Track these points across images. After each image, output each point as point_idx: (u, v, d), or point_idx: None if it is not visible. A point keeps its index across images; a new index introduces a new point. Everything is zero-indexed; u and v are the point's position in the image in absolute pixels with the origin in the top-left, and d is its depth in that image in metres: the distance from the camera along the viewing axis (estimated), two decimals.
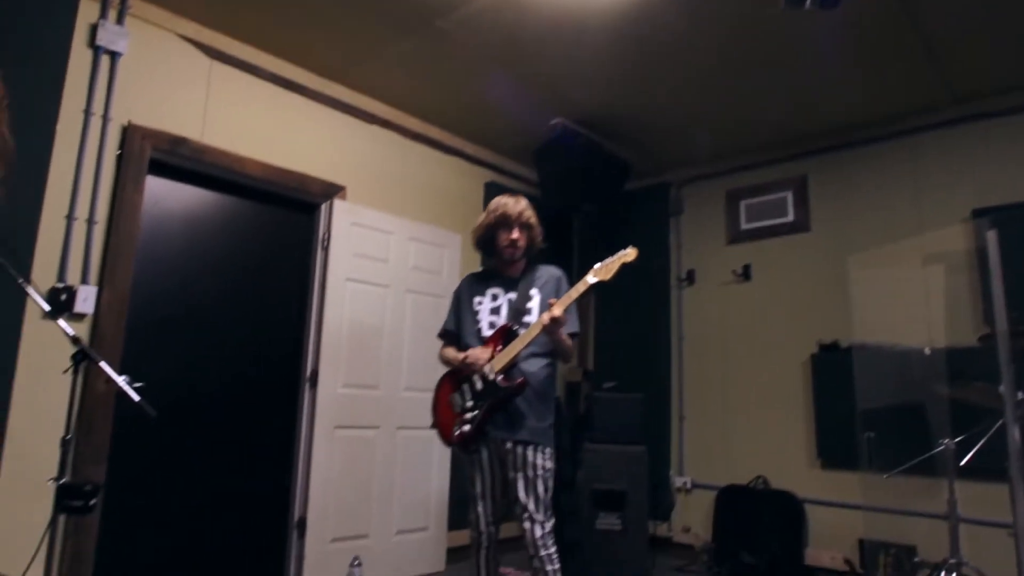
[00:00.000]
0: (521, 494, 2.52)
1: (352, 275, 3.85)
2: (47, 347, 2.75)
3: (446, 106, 4.34)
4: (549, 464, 2.57)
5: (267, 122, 3.73)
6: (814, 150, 4.50)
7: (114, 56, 3.20)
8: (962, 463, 2.75)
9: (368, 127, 4.23)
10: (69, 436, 2.40)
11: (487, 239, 2.76)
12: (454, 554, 4.15)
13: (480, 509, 2.63)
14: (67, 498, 2.23)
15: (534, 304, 2.71)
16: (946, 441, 2.86)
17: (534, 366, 2.62)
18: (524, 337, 2.56)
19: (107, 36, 3.16)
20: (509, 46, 3.57)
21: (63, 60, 3.01)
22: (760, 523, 3.97)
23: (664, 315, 5.03)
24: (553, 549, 2.51)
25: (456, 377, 2.68)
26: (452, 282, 4.32)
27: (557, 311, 2.47)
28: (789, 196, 4.60)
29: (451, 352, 2.75)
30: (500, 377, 2.55)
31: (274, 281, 3.79)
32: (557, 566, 2.51)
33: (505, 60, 3.72)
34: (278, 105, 3.80)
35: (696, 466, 4.68)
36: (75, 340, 2.33)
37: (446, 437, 2.68)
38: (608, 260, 2.57)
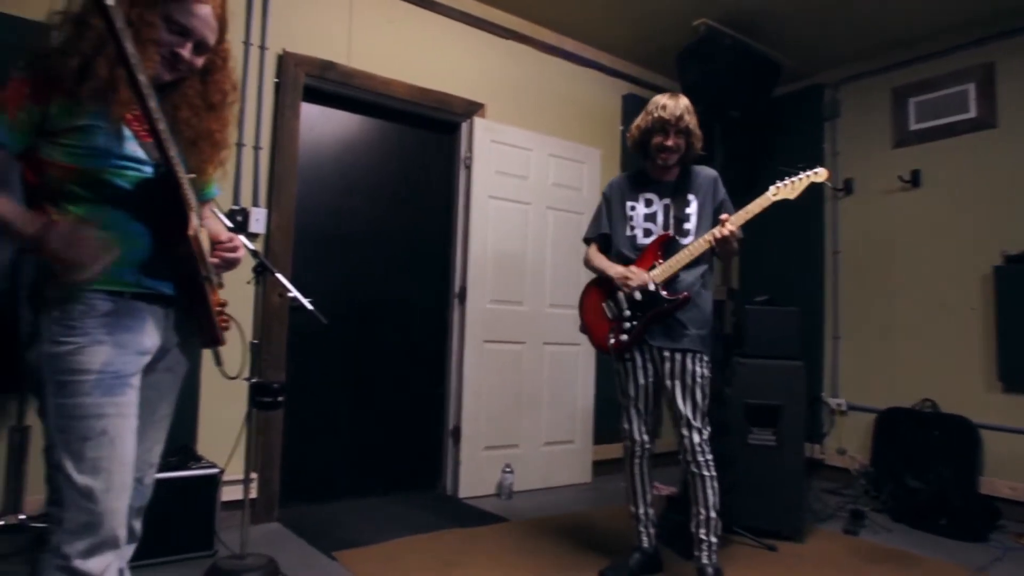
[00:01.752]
0: (679, 401, 2.50)
1: (494, 193, 3.88)
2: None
3: (580, 16, 4.16)
4: (707, 372, 2.54)
5: (408, 43, 3.76)
6: (1005, 32, 3.90)
7: None
8: None
9: (504, 42, 4.16)
10: (255, 341, 2.65)
11: (642, 142, 2.64)
12: (600, 467, 4.25)
13: (634, 418, 2.62)
14: (259, 395, 2.47)
15: (692, 210, 2.60)
16: None
17: (692, 275, 2.55)
18: (691, 250, 2.49)
19: None
20: None
21: None
22: (927, 448, 3.72)
23: (817, 227, 4.70)
24: (711, 456, 2.50)
25: (609, 284, 2.63)
26: (592, 198, 4.25)
27: (732, 227, 2.38)
28: (971, 89, 4.06)
29: (602, 259, 2.70)
30: (664, 291, 2.50)
31: (421, 200, 3.90)
32: (715, 473, 2.50)
33: None
34: (417, 25, 3.80)
35: (852, 388, 4.44)
36: (255, 254, 2.54)
37: (599, 344, 2.66)
38: (793, 178, 2.46)
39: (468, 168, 3.85)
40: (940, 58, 4.19)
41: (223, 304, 1.67)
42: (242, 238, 2.45)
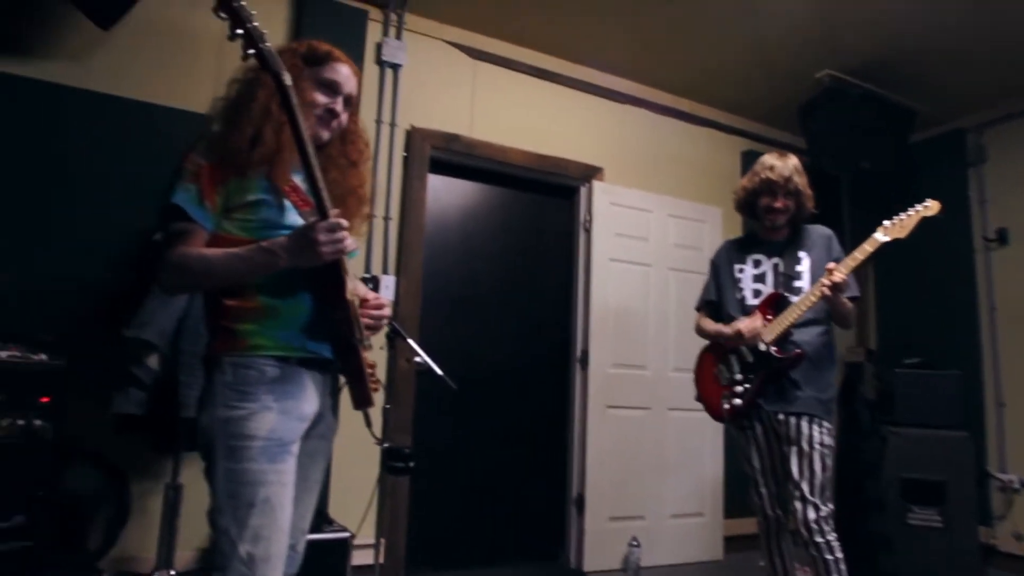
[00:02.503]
0: (794, 470, 2.29)
1: (614, 255, 3.84)
2: None
3: (694, 76, 4.16)
4: (828, 440, 2.32)
5: (526, 112, 3.88)
6: None
7: (396, 68, 3.54)
8: None
9: (619, 106, 4.20)
10: (388, 406, 2.71)
11: (749, 203, 2.55)
12: (733, 543, 3.96)
13: (762, 490, 2.43)
14: (391, 460, 2.50)
15: (804, 268, 2.46)
16: None
17: (809, 334, 2.40)
18: (799, 304, 2.34)
19: (390, 51, 3.50)
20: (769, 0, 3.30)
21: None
22: None
23: (967, 282, 4.30)
24: (832, 536, 2.23)
25: (720, 349, 2.53)
26: None
27: (839, 276, 2.22)
28: None
29: (711, 324, 2.60)
30: (774, 348, 2.35)
31: (541, 264, 3.93)
32: (839, 555, 2.23)
33: (763, 12, 3.44)
34: (535, 94, 3.93)
35: (1022, 462, 3.94)
36: (389, 321, 2.62)
37: (714, 412, 2.54)
38: (902, 215, 2.31)
39: (588, 231, 3.85)
40: None
41: (372, 366, 1.71)
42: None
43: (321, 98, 1.54)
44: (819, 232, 2.54)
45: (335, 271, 1.45)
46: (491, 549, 3.56)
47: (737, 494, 3.93)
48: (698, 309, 2.74)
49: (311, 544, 2.55)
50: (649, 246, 3.97)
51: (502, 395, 3.72)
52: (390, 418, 2.84)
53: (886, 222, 2.33)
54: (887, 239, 2.30)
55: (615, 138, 4.14)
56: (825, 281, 2.25)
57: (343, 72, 1.58)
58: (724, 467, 4.00)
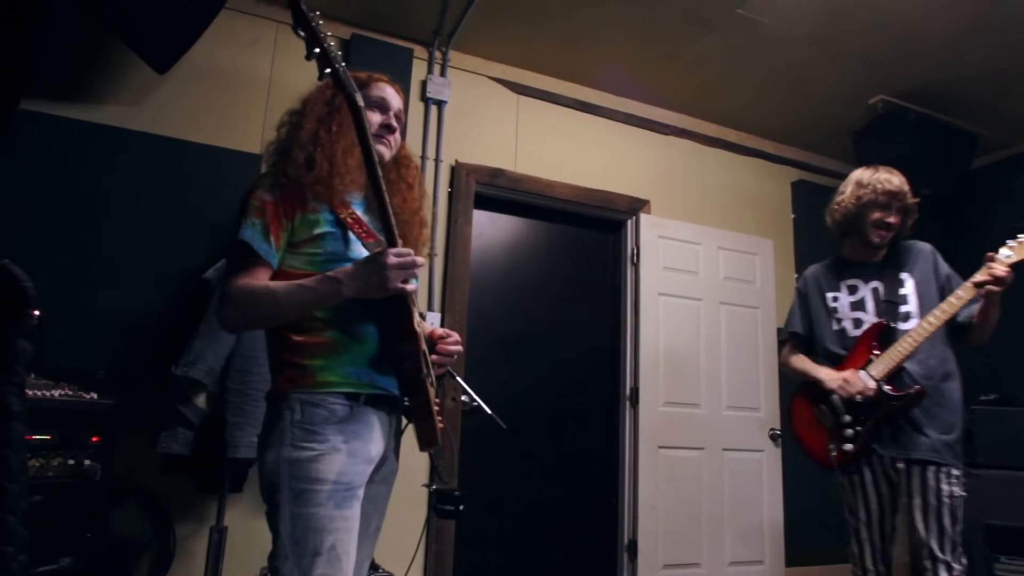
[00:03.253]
0: (920, 526, 2.06)
1: (663, 289, 3.74)
2: None
3: (742, 106, 4.08)
4: (958, 491, 2.08)
5: (570, 145, 3.84)
6: None
7: (440, 104, 3.55)
8: None
9: (665, 138, 4.14)
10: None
11: (854, 218, 2.31)
12: None
13: (864, 543, 2.21)
14: (440, 502, 2.41)
15: (908, 290, 2.25)
16: None
17: (925, 365, 2.16)
18: (917, 331, 2.11)
19: (434, 88, 3.52)
20: (819, 23, 3.22)
21: (404, 115, 3.40)
22: None
23: None
24: None
25: (818, 387, 2.31)
26: (767, 291, 4.00)
27: (1001, 269, 1.97)
28: None
29: (804, 362, 2.40)
30: (888, 387, 2.14)
31: (587, 299, 3.85)
32: None
33: (814, 40, 3.36)
34: (579, 128, 3.89)
35: None
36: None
37: (819, 459, 2.30)
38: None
39: (635, 265, 3.76)
40: None
41: (438, 403, 1.65)
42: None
43: (375, 115, 1.55)
44: (920, 248, 2.33)
45: (403, 302, 1.40)
46: None
47: (799, 540, 3.72)
48: (782, 342, 2.55)
49: None
50: (699, 279, 3.86)
51: (549, 435, 3.60)
52: (436, 459, 2.76)
53: (1009, 241, 2.09)
54: (1015, 260, 2.05)
55: (661, 170, 4.07)
56: (983, 276, 2.00)
57: (388, 90, 1.61)
58: (784, 511, 3.78)
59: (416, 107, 3.51)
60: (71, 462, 2.07)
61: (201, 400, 2.35)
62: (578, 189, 3.76)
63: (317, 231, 1.44)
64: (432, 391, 1.52)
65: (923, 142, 3.91)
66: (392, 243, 1.37)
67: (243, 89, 3.12)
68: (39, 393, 2.03)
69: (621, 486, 3.59)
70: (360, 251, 1.45)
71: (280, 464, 1.34)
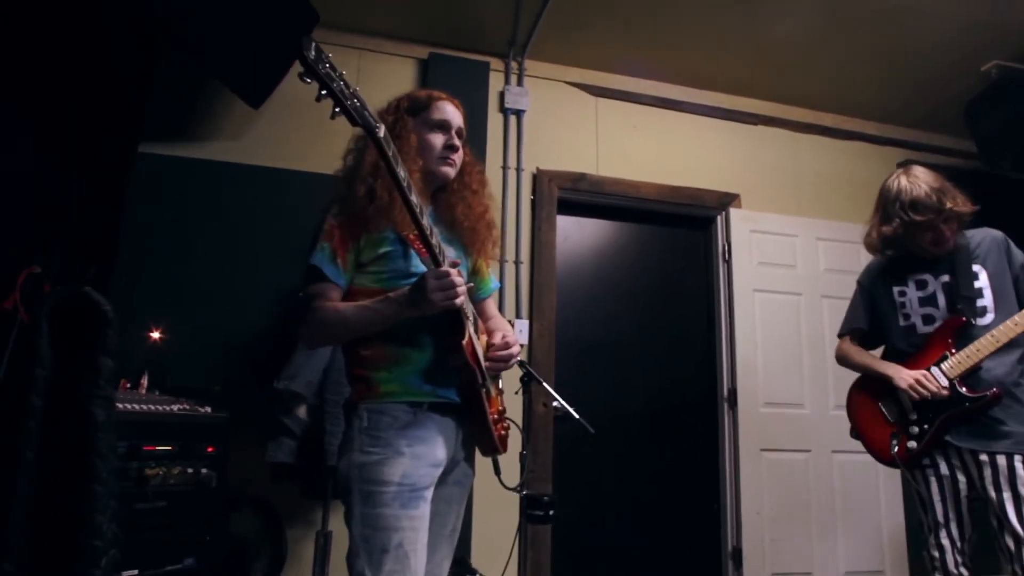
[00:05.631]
0: (1012, 517, 1.92)
1: (759, 285, 3.59)
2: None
3: (837, 87, 3.87)
4: None
5: (653, 144, 3.78)
6: None
7: (519, 114, 3.60)
8: None
9: (752, 128, 3.99)
10: (524, 452, 2.65)
11: (902, 244, 2.21)
12: None
13: (944, 542, 2.06)
14: (530, 508, 2.43)
15: (983, 283, 2.12)
16: None
17: (1005, 362, 2.05)
18: (1004, 331, 2.00)
19: (512, 98, 3.57)
20: None
21: (484, 127, 3.48)
22: None
23: None
24: None
25: (883, 381, 2.20)
26: None
27: None
28: None
29: (867, 356, 2.29)
30: (965, 388, 2.04)
31: (679, 299, 3.76)
32: None
33: (908, 6, 3.14)
34: (661, 126, 3.83)
35: None
36: (522, 364, 2.58)
37: (881, 453, 2.22)
38: None
39: (728, 262, 3.64)
40: None
41: (502, 411, 1.69)
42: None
43: (437, 138, 1.63)
44: (990, 237, 2.19)
45: (453, 318, 1.46)
46: None
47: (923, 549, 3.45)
48: (841, 335, 2.45)
49: None
50: (797, 273, 3.68)
51: (646, 440, 3.54)
52: (528, 464, 2.78)
53: None
54: None
55: (750, 162, 3.92)
56: None
57: (448, 110, 1.66)
58: (905, 517, 3.52)
59: (495, 118, 3.57)
60: (190, 471, 2.24)
61: (302, 411, 2.49)
62: (663, 188, 3.69)
63: (381, 251, 1.53)
64: (489, 400, 1.56)
65: None
66: (436, 264, 1.45)
67: (328, 115, 3.29)
68: (160, 408, 2.22)
69: (723, 491, 3.47)
70: (421, 267, 1.53)
71: (350, 468, 1.45)
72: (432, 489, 1.47)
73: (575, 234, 3.70)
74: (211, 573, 2.33)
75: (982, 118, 3.74)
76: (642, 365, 3.62)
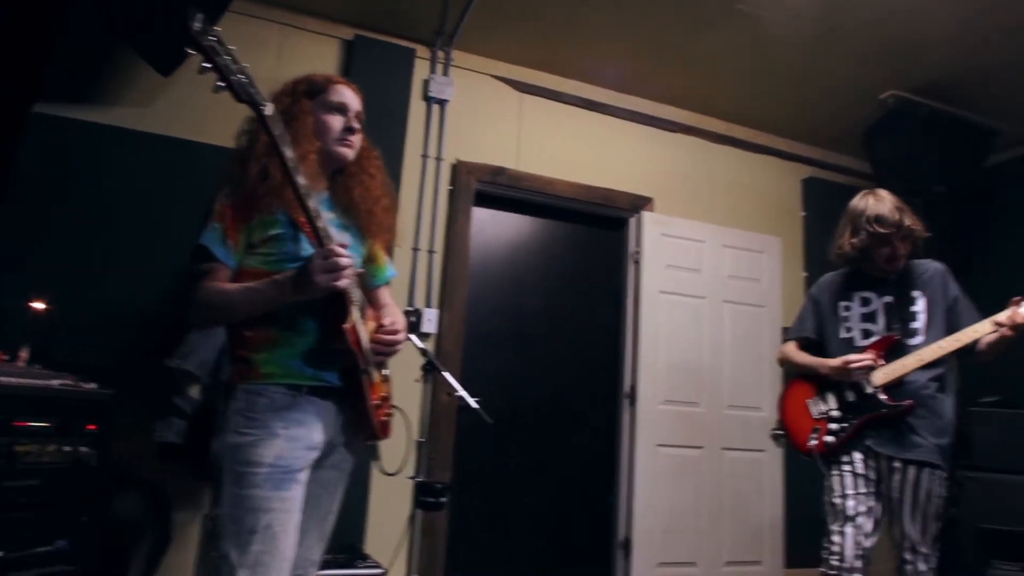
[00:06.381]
0: (908, 521, 2.14)
1: (665, 287, 3.73)
2: (403, 360, 3.08)
3: (751, 103, 4.04)
4: (942, 491, 2.17)
5: (573, 143, 3.85)
6: None
7: (442, 104, 3.59)
8: None
9: (670, 135, 4.12)
10: (422, 440, 2.68)
11: (859, 259, 2.38)
12: None
13: (848, 535, 2.20)
14: (422, 494, 2.46)
15: (919, 308, 2.31)
16: None
17: (924, 376, 2.24)
18: (931, 351, 2.20)
19: (436, 87, 3.56)
20: (823, 18, 3.17)
21: (405, 114, 3.47)
22: None
23: None
24: None
25: (817, 380, 2.39)
26: (773, 289, 3.96)
27: (1011, 327, 2.05)
28: None
29: (806, 356, 2.45)
30: (885, 396, 2.22)
31: (589, 297, 3.86)
32: None
33: (819, 34, 3.32)
34: (582, 125, 3.90)
35: None
36: (424, 353, 2.61)
37: (799, 444, 2.38)
38: None
39: (637, 263, 3.76)
40: None
41: (385, 397, 1.69)
42: (413, 337, 2.55)
43: (335, 120, 1.62)
44: (933, 269, 2.38)
45: (338, 301, 1.46)
46: None
47: (800, 541, 3.67)
48: (788, 340, 2.60)
49: None
50: (702, 278, 3.84)
51: (548, 432, 3.63)
52: (426, 453, 2.81)
53: None
54: None
55: (665, 168, 4.06)
56: (1006, 319, 2.07)
57: (347, 93, 1.66)
58: (784, 511, 3.74)
59: (418, 106, 3.56)
60: (67, 448, 2.15)
61: (195, 391, 2.43)
62: (580, 187, 3.77)
63: (272, 232, 1.52)
64: (372, 385, 1.57)
65: (935, 138, 3.83)
66: (321, 245, 1.44)
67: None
68: (37, 382, 2.12)
69: (618, 483, 3.60)
70: (311, 251, 1.50)
71: (223, 449, 1.45)
72: (307, 472, 1.48)
73: (491, 227, 3.73)
74: (87, 555, 2.25)
75: (878, 143, 3.99)
76: (549, 359, 3.70)
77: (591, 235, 3.93)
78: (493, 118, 3.72)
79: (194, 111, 3.09)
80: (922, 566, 2.11)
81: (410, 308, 3.28)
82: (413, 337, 2.58)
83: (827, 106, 4.01)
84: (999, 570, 2.55)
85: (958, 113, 3.87)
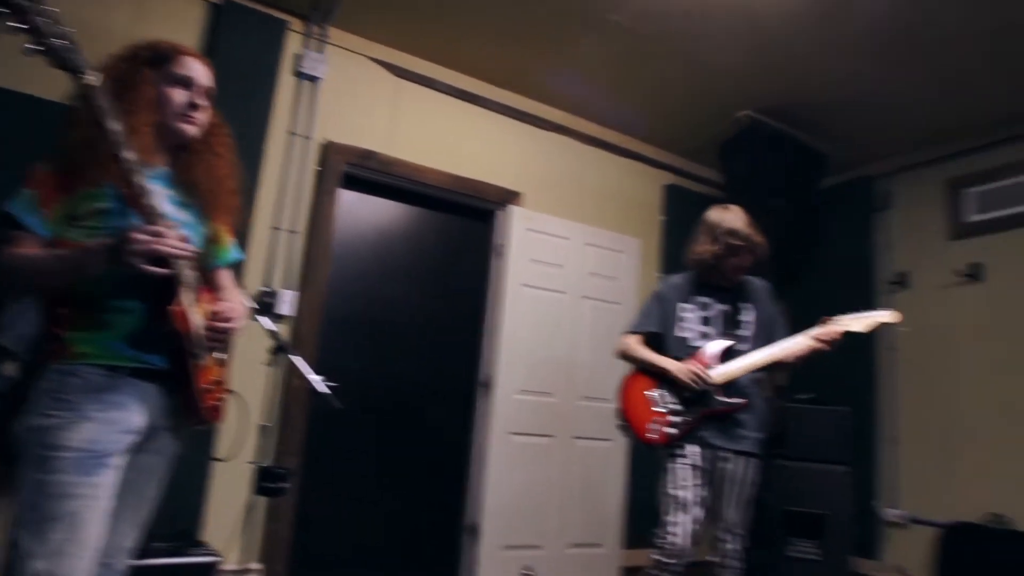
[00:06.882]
0: (730, 506, 2.41)
1: (528, 281, 3.84)
2: (253, 342, 2.97)
3: (622, 109, 4.23)
4: (758, 479, 2.49)
5: (447, 133, 3.87)
6: None
7: (314, 81, 3.50)
8: None
9: (544, 133, 4.24)
10: (268, 424, 2.62)
11: (711, 265, 2.58)
12: (627, 574, 3.95)
13: (680, 520, 2.38)
14: (263, 480, 2.42)
15: (749, 319, 2.58)
16: None
17: (749, 379, 2.52)
18: (772, 354, 2.46)
19: (309, 64, 3.46)
20: (689, 36, 3.39)
21: (272, 88, 3.35)
22: (1002, 571, 3.32)
23: None
24: (743, 568, 2.43)
25: (659, 375, 2.56)
26: (630, 288, 4.18)
27: (836, 335, 2.38)
28: None
29: (650, 353, 2.62)
30: (722, 395, 2.45)
31: (454, 287, 3.91)
32: None
33: (685, 54, 3.54)
34: (457, 116, 3.93)
35: (913, 498, 4.04)
36: (274, 335, 2.55)
37: (639, 433, 2.54)
38: (866, 315, 2.48)
39: (501, 256, 3.85)
40: (1003, 147, 4.02)
41: (217, 381, 1.65)
42: (263, 319, 2.49)
43: (178, 94, 1.54)
44: (761, 285, 2.67)
45: (167, 283, 1.41)
46: None
47: (637, 525, 3.93)
48: (630, 333, 2.74)
49: (173, 569, 2.46)
50: (565, 274, 3.99)
51: (404, 419, 3.65)
52: (273, 438, 2.75)
53: (850, 316, 2.47)
54: (849, 329, 2.44)
55: (537, 164, 4.17)
56: (821, 335, 2.38)
57: (195, 67, 1.58)
58: (625, 498, 3.99)
59: (288, 81, 3.44)
60: None
61: (10, 368, 2.25)
62: (451, 176, 3.80)
63: (97, 206, 1.44)
64: (202, 369, 1.53)
65: (779, 158, 4.19)
66: (149, 222, 1.38)
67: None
68: None
69: (470, 470, 3.68)
70: None
71: (27, 432, 1.36)
72: (121, 456, 1.42)
73: (359, 211, 3.69)
74: None
75: (732, 157, 4.31)
76: (410, 346, 3.72)
77: (459, 225, 3.98)
78: (367, 101, 3.67)
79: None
80: (735, 545, 2.39)
81: (266, 289, 3.19)
82: (263, 319, 2.52)
83: (689, 119, 4.28)
84: (796, 547, 2.88)
85: (800, 137, 4.26)
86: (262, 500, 2.50)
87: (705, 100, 4.04)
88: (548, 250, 3.95)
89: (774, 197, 4.32)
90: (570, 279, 4.00)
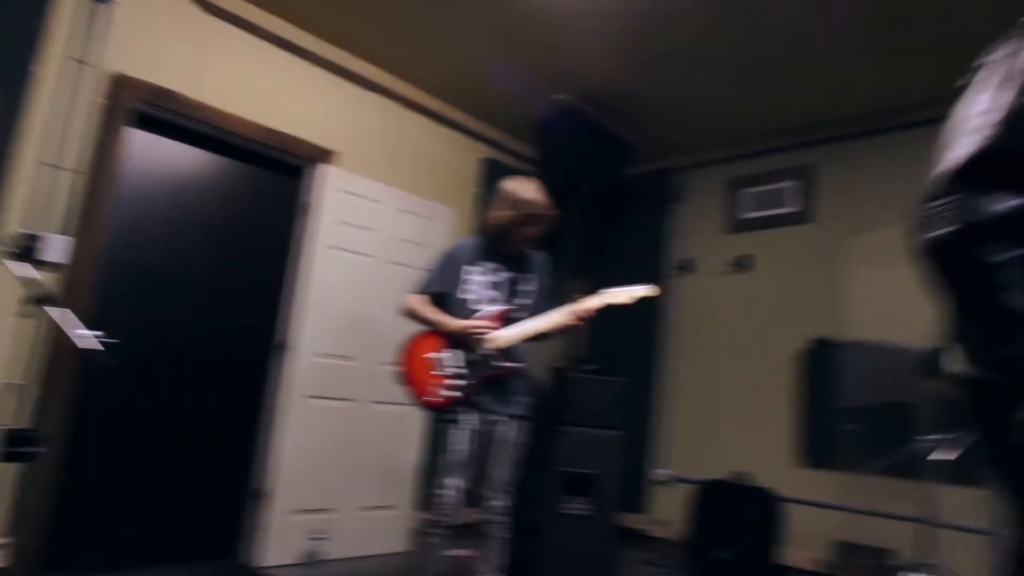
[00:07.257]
0: (498, 466, 2.57)
1: (335, 243, 3.77)
2: (2, 290, 2.67)
3: (444, 76, 4.24)
4: (528, 441, 2.69)
5: (261, 81, 3.66)
6: (821, 139, 4.35)
7: (107, 3, 3.13)
8: (941, 465, 2.66)
9: (364, 93, 4.15)
10: (23, 383, 2.37)
11: (506, 231, 2.68)
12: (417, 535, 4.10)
13: (459, 481, 2.53)
14: (10, 444, 2.19)
15: (532, 288, 2.74)
16: (923, 439, 2.79)
17: (521, 346, 2.66)
18: (541, 324, 2.59)
19: None
20: (513, 15, 3.47)
21: (43, 3, 2.95)
22: (738, 520, 3.88)
23: (658, 304, 4.92)
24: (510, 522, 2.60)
25: (444, 338, 2.63)
26: None
27: (590, 310, 2.55)
28: (792, 186, 4.47)
29: (436, 312, 2.68)
30: (500, 359, 2.57)
31: (258, 243, 3.74)
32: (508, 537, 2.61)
33: (508, 30, 3.62)
34: (274, 65, 3.72)
35: (683, 461, 4.59)
36: (29, 284, 2.29)
37: (420, 395, 2.60)
38: (629, 289, 2.62)
39: (309, 215, 3.74)
40: (770, 156, 4.59)
41: None
42: (13, 264, 2.23)
43: None
44: (543, 257, 2.82)
45: None
46: (159, 548, 3.28)
47: (431, 486, 4.06)
48: (416, 293, 2.78)
49: None
50: (375, 237, 3.97)
51: (194, 380, 3.46)
52: (29, 398, 2.49)
53: (614, 289, 2.62)
54: (610, 302, 2.60)
55: (355, 124, 4.08)
56: (580, 311, 2.53)
57: None
58: (420, 461, 4.10)
59: None
60: None
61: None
62: (261, 128, 3.61)
63: None
64: None
65: (590, 143, 4.46)
66: None
67: None
68: None
69: (262, 433, 3.59)
70: None
71: None
72: None
73: (154, 154, 3.39)
74: None
75: (545, 139, 4.51)
76: (205, 303, 3.52)
77: (267, 180, 3.80)
78: (171, 35, 3.35)
79: None
80: (502, 502, 2.55)
81: (28, 232, 2.84)
82: (17, 264, 2.25)
83: (509, 96, 4.40)
84: (569, 504, 3.17)
85: (611, 126, 4.55)
86: (12, 467, 2.26)
87: (526, 78, 4.17)
88: (359, 213, 3.90)
89: (582, 180, 4.61)
90: (380, 244, 3.99)
